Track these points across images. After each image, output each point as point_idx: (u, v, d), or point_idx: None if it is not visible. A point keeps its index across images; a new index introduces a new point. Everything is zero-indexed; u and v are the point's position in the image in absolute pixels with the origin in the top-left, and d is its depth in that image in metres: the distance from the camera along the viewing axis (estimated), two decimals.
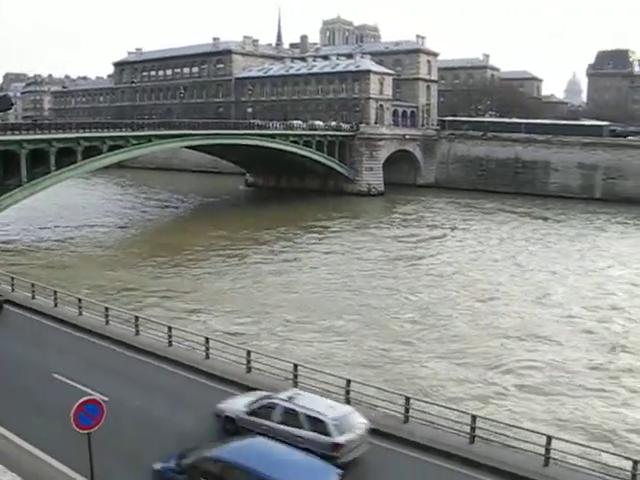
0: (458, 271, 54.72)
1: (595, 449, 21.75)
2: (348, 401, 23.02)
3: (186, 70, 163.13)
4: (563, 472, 19.32)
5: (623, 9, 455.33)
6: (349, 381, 23.65)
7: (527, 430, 22.05)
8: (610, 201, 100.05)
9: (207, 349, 28.02)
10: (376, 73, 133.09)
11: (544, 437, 20.06)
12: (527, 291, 48.46)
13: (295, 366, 25.10)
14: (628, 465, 18.85)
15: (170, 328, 29.83)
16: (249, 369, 26.41)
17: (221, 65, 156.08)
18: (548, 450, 19.68)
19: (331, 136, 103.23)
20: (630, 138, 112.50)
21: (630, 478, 18.40)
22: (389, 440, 21.05)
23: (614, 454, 21.13)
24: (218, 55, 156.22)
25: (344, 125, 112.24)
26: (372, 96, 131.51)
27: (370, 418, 20.97)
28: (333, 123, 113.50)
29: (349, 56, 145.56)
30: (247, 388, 24.35)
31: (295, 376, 24.75)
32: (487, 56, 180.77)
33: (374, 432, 20.70)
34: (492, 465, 19.74)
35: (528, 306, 44.37)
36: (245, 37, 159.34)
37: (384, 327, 38.86)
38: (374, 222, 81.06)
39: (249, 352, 26.78)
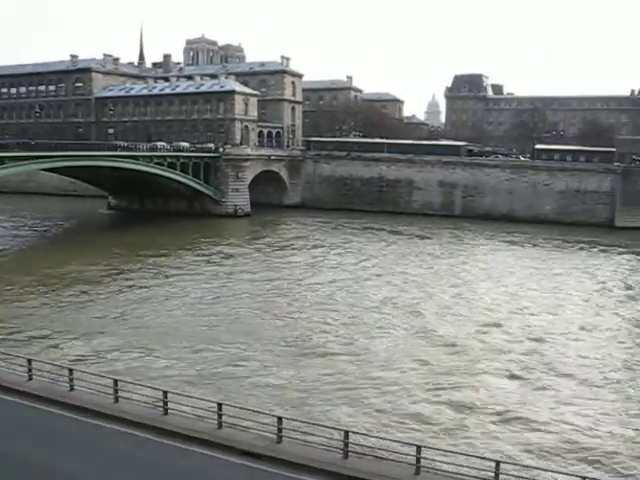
0: (331, 294, 55.09)
1: (462, 454, 22.68)
2: (220, 425, 22.67)
3: (42, 88, 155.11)
4: (433, 479, 19.80)
5: (480, 35, 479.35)
6: (220, 405, 23.22)
7: (397, 442, 22.46)
8: (469, 217, 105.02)
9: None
10: (241, 94, 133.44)
11: (414, 447, 20.49)
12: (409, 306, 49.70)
13: (165, 393, 24.32)
14: (492, 465, 19.64)
15: (30, 361, 27.71)
16: (117, 399, 25.24)
17: (80, 84, 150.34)
18: (419, 459, 20.10)
19: (196, 157, 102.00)
20: (485, 157, 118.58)
21: (493, 477, 19.04)
22: (262, 461, 20.83)
23: (478, 457, 21.97)
24: (77, 73, 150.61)
25: (209, 146, 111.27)
26: (237, 117, 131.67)
27: (243, 440, 20.68)
28: (184, 144, 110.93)
29: (214, 76, 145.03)
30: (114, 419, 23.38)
31: (165, 403, 23.99)
32: (350, 78, 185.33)
33: (246, 454, 20.57)
34: (365, 478, 19.91)
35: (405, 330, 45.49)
36: (105, 55, 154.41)
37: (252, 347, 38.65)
38: (238, 245, 79.63)
39: (116, 381, 25.54)
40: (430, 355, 37.97)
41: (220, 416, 22.96)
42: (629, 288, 59.92)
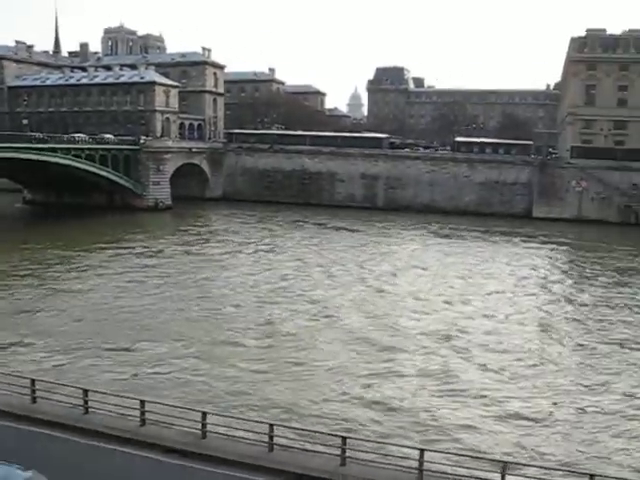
0: (249, 286, 54.98)
1: (388, 443, 22.91)
2: (144, 422, 22.26)
3: None
4: (359, 469, 19.89)
5: (402, 28, 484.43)
6: (143, 402, 22.78)
7: (322, 433, 22.53)
8: (392, 209, 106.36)
9: None
10: (161, 85, 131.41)
11: (339, 438, 20.57)
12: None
13: (85, 391, 23.65)
14: (416, 454, 19.78)
15: None
16: (34, 399, 24.42)
17: None
18: (344, 450, 20.17)
19: (116, 150, 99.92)
20: (407, 150, 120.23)
21: (418, 465, 19.27)
22: (187, 458, 20.56)
23: (403, 446, 22.25)
24: None
25: (130, 138, 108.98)
26: (158, 108, 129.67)
27: (167, 437, 20.38)
28: (108, 136, 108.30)
29: (133, 67, 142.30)
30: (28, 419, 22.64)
31: (86, 402, 23.35)
32: (273, 70, 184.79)
33: (171, 451, 20.39)
34: (291, 470, 19.91)
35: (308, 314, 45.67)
36: (18, 42, 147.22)
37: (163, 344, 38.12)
38: (158, 239, 77.82)
39: (33, 381, 24.52)
40: (346, 347, 38.23)
41: (143, 413, 22.55)
42: (544, 277, 61.80)
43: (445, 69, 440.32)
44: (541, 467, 22.25)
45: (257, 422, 23.02)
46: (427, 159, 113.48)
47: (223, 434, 21.77)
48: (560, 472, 22.69)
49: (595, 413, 29.72)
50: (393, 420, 28.31)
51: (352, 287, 54.21)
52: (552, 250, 77.66)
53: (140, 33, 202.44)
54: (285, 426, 22.99)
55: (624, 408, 30.29)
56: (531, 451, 25.69)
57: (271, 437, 21.05)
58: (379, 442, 22.91)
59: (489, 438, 26.81)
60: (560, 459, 24.99)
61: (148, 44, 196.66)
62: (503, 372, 34.70)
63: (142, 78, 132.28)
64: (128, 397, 23.85)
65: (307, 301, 48.84)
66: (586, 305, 50.36)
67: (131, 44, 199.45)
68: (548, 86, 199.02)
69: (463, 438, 26.63)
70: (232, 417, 23.32)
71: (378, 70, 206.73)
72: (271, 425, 21.27)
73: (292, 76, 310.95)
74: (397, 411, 29.27)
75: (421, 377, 33.74)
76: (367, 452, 20.70)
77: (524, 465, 22.29)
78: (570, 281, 61.31)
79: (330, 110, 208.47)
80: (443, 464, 20.94)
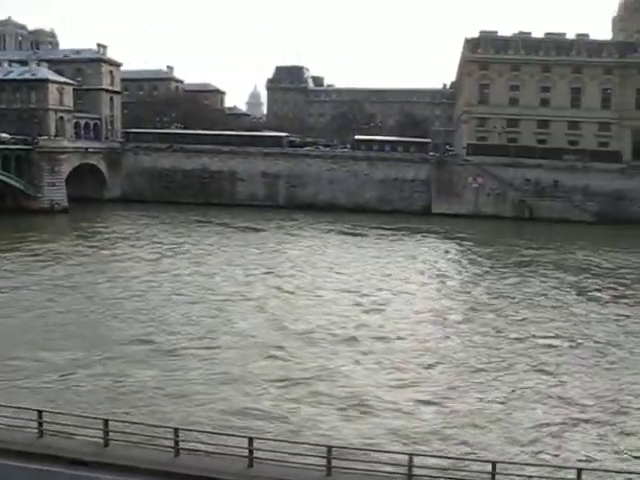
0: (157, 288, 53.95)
1: (293, 442, 22.80)
2: (42, 434, 21.29)
3: None
4: (266, 469, 19.73)
5: (302, 27, 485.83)
6: (40, 412, 21.79)
7: (229, 435, 22.27)
8: (293, 207, 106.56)
9: None
10: (55, 82, 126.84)
11: (246, 439, 20.33)
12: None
13: None
14: (323, 450, 19.72)
15: None
16: None
17: None
18: (251, 451, 19.97)
19: (7, 150, 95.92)
20: (307, 148, 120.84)
21: (326, 463, 19.24)
22: (89, 468, 19.86)
23: (310, 444, 22.24)
24: None
25: (24, 137, 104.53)
26: (51, 107, 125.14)
27: (67, 448, 19.61)
28: (4, 135, 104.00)
29: (23, 63, 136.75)
30: None
31: None
32: (171, 68, 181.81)
33: (72, 462, 19.54)
34: (197, 474, 19.55)
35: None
36: None
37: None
38: (52, 242, 74.35)
39: None
40: (245, 348, 38.07)
41: (41, 424, 21.59)
42: (441, 271, 63.27)
43: (345, 68, 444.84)
44: (529, 464, 22.60)
45: (162, 427, 22.50)
46: (327, 157, 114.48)
47: (127, 441, 21.17)
48: (549, 468, 22.54)
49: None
50: (297, 420, 28.32)
51: (258, 286, 54.02)
52: (450, 245, 79.76)
53: (30, 28, 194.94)
54: (191, 429, 22.59)
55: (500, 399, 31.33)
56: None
57: (177, 442, 20.61)
58: (287, 441, 22.77)
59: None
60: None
61: (39, 39, 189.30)
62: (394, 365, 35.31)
63: (34, 75, 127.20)
64: (24, 408, 22.72)
65: (212, 304, 48.24)
66: (478, 296, 52.12)
67: (20, 39, 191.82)
68: (445, 85, 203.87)
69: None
70: (136, 423, 22.75)
71: (277, 69, 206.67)
72: (176, 429, 20.82)
73: (191, 74, 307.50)
74: (298, 412, 29.31)
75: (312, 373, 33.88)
76: (276, 452, 20.56)
77: (512, 463, 22.79)
78: (467, 274, 63.21)
79: (229, 109, 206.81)
80: (351, 461, 20.98)
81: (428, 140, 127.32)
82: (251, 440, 20.10)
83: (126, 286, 53.77)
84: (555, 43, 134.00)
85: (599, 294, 54.47)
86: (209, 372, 33.89)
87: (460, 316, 46.63)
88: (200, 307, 46.92)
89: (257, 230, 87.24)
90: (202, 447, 21.41)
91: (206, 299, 49.27)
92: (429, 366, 35.57)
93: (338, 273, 60.21)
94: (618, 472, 23.21)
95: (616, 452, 25.89)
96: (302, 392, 31.28)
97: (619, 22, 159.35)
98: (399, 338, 40.25)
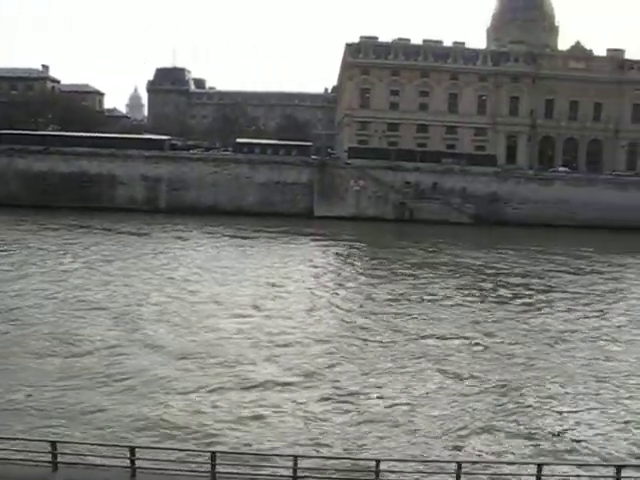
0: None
1: (175, 449, 22.43)
2: None
3: None
4: (150, 479, 19.37)
5: (184, 29, 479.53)
6: None
7: (110, 446, 21.73)
8: (175, 211, 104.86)
9: None
10: None
11: (127, 449, 19.87)
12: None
13: None
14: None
15: None
16: None
17: None
18: (133, 461, 19.53)
19: None
20: (192, 151, 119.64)
21: (210, 468, 19.08)
22: None
23: (192, 450, 21.97)
24: None
25: None
26: None
27: None
28: None
29: None
30: None
31: None
32: (47, 67, 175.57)
33: None
34: None
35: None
36: None
37: None
38: None
39: None
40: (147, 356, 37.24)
41: None
42: (316, 276, 63.52)
43: (228, 72, 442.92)
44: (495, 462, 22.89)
45: (38, 441, 21.62)
46: (209, 160, 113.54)
47: (3, 459, 20.22)
48: (511, 466, 23.04)
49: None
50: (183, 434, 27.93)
51: (154, 295, 52.40)
52: (333, 247, 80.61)
53: None
54: (70, 442, 21.79)
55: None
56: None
57: (54, 455, 19.88)
58: (169, 449, 22.34)
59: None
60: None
61: None
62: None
63: None
64: None
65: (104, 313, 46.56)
66: (374, 297, 52.91)
67: None
68: (326, 89, 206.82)
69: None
70: (10, 439, 21.81)
71: (158, 71, 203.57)
72: (53, 443, 20.01)
73: (68, 75, 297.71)
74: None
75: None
76: (159, 460, 20.16)
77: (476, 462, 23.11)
78: (346, 274, 64.04)
79: (109, 111, 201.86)
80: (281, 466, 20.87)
81: (310, 143, 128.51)
82: (132, 450, 19.65)
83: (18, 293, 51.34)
84: (433, 50, 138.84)
85: (486, 293, 56.43)
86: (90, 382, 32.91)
87: (357, 316, 47.15)
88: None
89: (140, 235, 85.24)
90: (82, 460, 20.75)
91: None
92: (330, 366, 35.65)
93: (228, 281, 59.39)
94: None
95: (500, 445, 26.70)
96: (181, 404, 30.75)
97: (493, 32, 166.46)
98: (297, 343, 40.08)
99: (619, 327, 46.21)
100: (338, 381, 33.64)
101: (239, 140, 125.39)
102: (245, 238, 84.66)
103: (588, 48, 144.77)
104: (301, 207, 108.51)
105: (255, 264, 66.93)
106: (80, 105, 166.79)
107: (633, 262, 78.60)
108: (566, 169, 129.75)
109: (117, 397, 30.50)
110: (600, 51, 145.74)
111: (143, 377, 33.31)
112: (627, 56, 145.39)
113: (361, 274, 65.36)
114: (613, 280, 65.70)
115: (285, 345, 39.31)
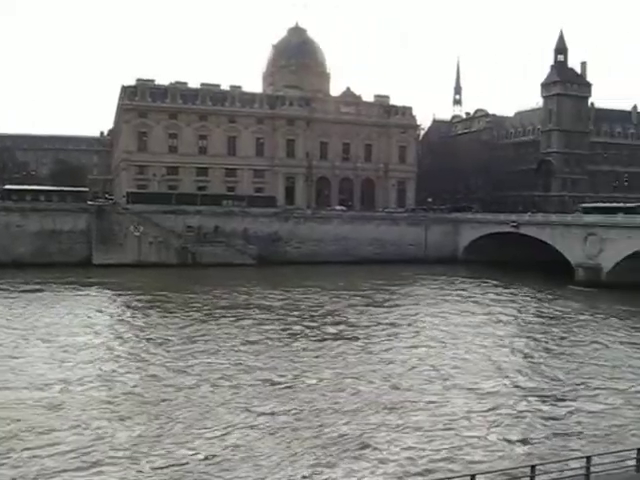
0: None
1: None
2: None
3: None
4: None
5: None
6: None
7: None
8: None
9: None
10: None
11: None
12: None
13: None
14: None
15: None
16: None
17: None
18: None
19: None
20: None
21: None
22: None
23: None
24: None
25: None
26: None
27: None
28: None
29: None
30: None
31: None
32: None
33: None
34: None
35: None
36: None
37: None
38: None
39: None
40: None
41: None
42: (112, 327, 60.80)
43: None
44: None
45: None
46: None
47: None
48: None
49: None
50: None
51: None
52: (104, 297, 76.84)
53: None
54: None
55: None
56: None
57: None
58: None
59: None
60: None
61: None
62: None
63: None
64: None
65: None
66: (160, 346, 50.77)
67: None
68: (102, 133, 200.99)
69: None
70: None
71: None
72: None
73: None
74: None
75: None
76: None
77: None
78: (143, 326, 61.15)
79: None
80: None
81: (86, 189, 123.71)
82: None
83: None
84: (211, 93, 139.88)
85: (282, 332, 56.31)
86: None
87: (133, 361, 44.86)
88: None
89: None
90: None
91: None
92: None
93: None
94: None
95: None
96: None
97: (269, 77, 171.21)
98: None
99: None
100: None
101: (8, 187, 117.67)
102: (13, 291, 78.62)
103: (357, 93, 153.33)
104: (79, 255, 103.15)
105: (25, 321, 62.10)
106: None
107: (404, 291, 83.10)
108: (343, 207, 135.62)
109: None
110: (368, 97, 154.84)
111: None
112: (392, 102, 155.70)
113: (150, 324, 62.88)
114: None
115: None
